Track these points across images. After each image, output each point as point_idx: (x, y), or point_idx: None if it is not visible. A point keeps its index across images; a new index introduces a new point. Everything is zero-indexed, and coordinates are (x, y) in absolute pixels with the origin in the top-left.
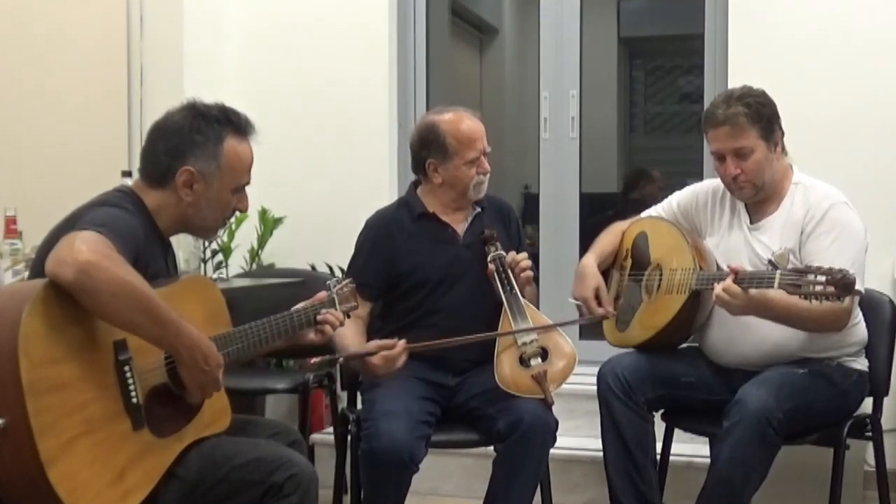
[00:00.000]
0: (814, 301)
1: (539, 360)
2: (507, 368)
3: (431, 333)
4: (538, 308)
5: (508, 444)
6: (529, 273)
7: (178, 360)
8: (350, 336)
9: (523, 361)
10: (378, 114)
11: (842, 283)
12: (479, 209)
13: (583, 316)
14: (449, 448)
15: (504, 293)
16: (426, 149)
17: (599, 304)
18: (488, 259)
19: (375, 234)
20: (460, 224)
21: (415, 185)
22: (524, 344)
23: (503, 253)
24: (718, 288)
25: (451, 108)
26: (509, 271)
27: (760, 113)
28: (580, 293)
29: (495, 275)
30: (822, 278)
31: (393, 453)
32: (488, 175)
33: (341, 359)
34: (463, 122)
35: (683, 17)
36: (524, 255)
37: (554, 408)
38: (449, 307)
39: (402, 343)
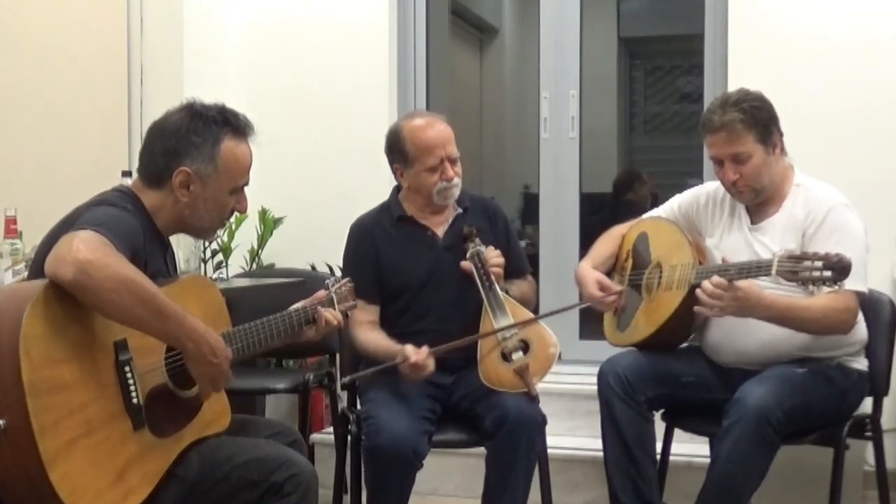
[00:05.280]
0: (812, 287)
1: (520, 353)
2: (489, 364)
3: (422, 338)
4: (538, 307)
5: (496, 442)
6: (498, 270)
7: (185, 354)
8: (382, 340)
9: (505, 356)
10: (378, 114)
11: (838, 267)
12: (460, 210)
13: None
14: (444, 448)
15: (483, 289)
16: (391, 153)
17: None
18: (466, 256)
19: (357, 239)
20: (440, 226)
21: (397, 189)
22: (504, 339)
23: (481, 249)
24: (706, 284)
25: (421, 112)
26: (489, 268)
27: (756, 117)
28: (586, 294)
29: (473, 271)
30: (818, 263)
31: (396, 449)
32: (456, 181)
33: (370, 373)
34: (425, 129)
35: (683, 17)
36: (496, 252)
37: (554, 407)
38: (436, 310)
39: (424, 349)
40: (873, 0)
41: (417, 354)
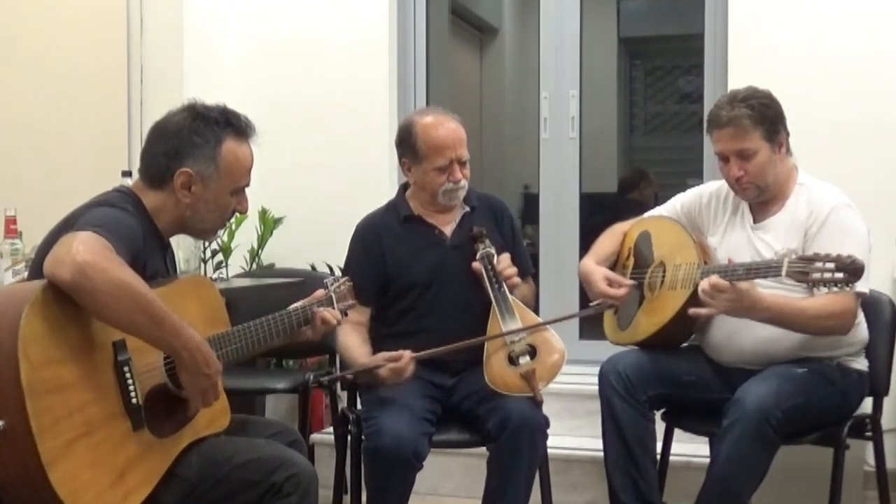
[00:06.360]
0: (822, 289)
1: (527, 357)
2: (495, 367)
3: (425, 337)
4: (538, 307)
5: (498, 444)
6: (516, 280)
7: (178, 363)
8: (356, 346)
9: (512, 360)
10: (378, 114)
11: (851, 269)
12: (467, 209)
13: (606, 306)
14: (445, 448)
15: (492, 291)
16: (401, 147)
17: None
18: (476, 257)
19: (364, 239)
20: (448, 225)
21: (404, 187)
22: (512, 342)
23: (492, 251)
24: (704, 282)
25: (436, 110)
26: (498, 270)
27: (764, 114)
28: (595, 291)
29: (483, 273)
30: (830, 265)
31: (397, 450)
32: (463, 183)
33: (350, 375)
34: (438, 127)
35: (683, 17)
36: (507, 262)
37: (555, 407)
38: (441, 310)
39: (408, 354)
40: (873, 1)
41: (402, 357)
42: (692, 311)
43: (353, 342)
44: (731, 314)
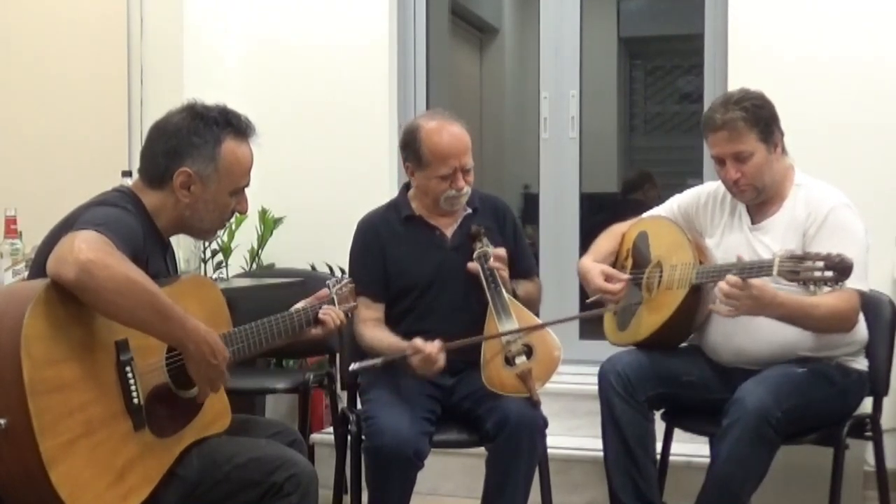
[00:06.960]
0: (812, 287)
1: (524, 358)
2: (492, 368)
3: (426, 338)
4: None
5: (497, 444)
6: (503, 273)
7: (185, 355)
8: (389, 337)
9: (508, 360)
10: (378, 114)
11: (840, 267)
12: (469, 210)
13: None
14: (445, 448)
15: (489, 291)
16: (405, 150)
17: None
18: (474, 256)
19: (364, 237)
20: (449, 227)
21: (406, 186)
22: (508, 343)
23: (489, 250)
24: (723, 284)
25: (442, 115)
26: (495, 269)
27: (758, 116)
28: (592, 287)
29: (479, 272)
30: (819, 264)
31: (398, 449)
32: (466, 190)
33: (379, 363)
34: (443, 135)
35: (683, 17)
36: (500, 251)
37: (555, 407)
38: (441, 311)
39: (437, 343)
40: (873, 2)
41: (431, 347)
42: (711, 307)
43: (381, 335)
44: (748, 313)
